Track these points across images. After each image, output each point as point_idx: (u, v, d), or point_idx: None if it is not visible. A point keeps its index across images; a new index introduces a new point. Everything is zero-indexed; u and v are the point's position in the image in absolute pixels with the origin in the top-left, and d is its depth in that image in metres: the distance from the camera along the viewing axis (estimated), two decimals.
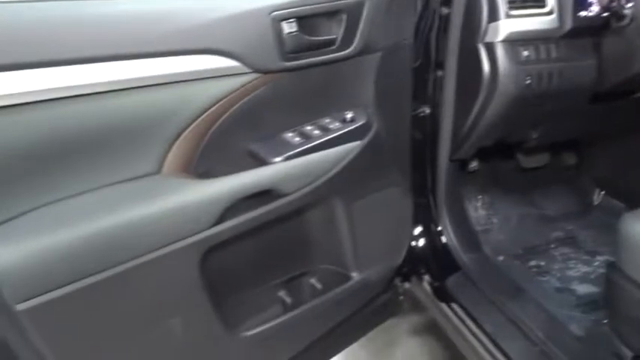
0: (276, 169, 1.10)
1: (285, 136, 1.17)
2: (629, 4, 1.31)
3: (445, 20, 1.45)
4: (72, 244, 0.88)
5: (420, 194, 1.59)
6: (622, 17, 1.34)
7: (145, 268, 0.94)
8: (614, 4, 1.35)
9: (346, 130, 1.20)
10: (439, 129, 1.57)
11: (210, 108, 1.06)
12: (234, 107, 1.09)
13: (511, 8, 1.36)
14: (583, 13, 1.38)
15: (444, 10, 1.44)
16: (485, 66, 1.39)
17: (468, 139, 1.54)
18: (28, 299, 0.84)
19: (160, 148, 1.03)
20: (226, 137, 1.10)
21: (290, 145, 1.14)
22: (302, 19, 1.12)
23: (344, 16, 1.17)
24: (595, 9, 1.38)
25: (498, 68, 1.38)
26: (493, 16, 1.37)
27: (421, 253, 1.63)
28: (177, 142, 1.05)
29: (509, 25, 1.36)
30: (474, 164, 1.81)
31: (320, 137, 1.17)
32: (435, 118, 1.56)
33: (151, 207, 0.96)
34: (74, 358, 0.94)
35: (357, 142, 1.22)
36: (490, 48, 1.39)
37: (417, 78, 1.45)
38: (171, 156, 1.05)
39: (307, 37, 1.12)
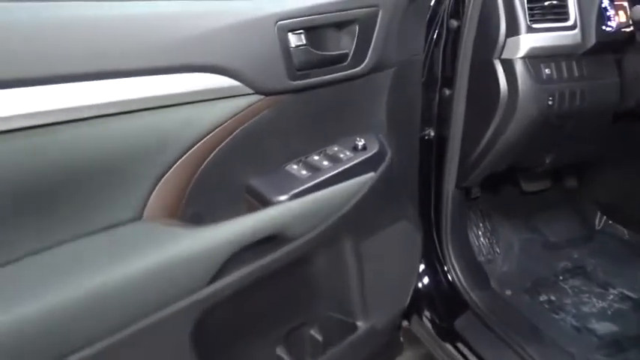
0: (281, 211, 0.92)
1: (290, 168, 0.99)
2: None
3: (455, 33, 1.30)
4: (27, 319, 0.66)
5: (422, 226, 1.43)
6: None
7: (126, 345, 0.74)
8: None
9: (358, 160, 1.03)
10: (445, 153, 1.42)
11: (203, 137, 0.86)
12: (232, 136, 0.90)
13: (533, 21, 1.22)
14: (607, 27, 1.26)
15: (454, 23, 1.29)
16: (503, 85, 1.25)
17: (478, 165, 1.39)
18: None
19: (143, 187, 0.83)
20: (222, 171, 0.91)
21: (296, 180, 0.96)
22: (310, 31, 0.94)
23: (356, 28, 1.00)
24: (618, 22, 1.26)
25: (518, 87, 1.24)
26: (512, 30, 1.23)
27: (425, 292, 1.47)
28: (164, 180, 0.85)
29: (530, 40, 1.23)
30: (476, 190, 1.66)
31: (330, 170, 0.99)
32: (441, 142, 1.41)
33: (132, 265, 0.76)
34: None
35: (370, 174, 1.05)
36: (508, 65, 1.25)
37: (421, 96, 1.29)
38: (155, 197, 0.85)
39: (317, 52, 0.94)
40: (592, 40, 1.25)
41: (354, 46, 1.00)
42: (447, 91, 1.35)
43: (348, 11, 0.98)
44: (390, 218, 1.19)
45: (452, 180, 1.45)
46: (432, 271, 1.47)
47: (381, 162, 1.07)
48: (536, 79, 1.23)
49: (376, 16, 1.02)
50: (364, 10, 1.00)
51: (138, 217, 0.84)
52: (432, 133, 1.41)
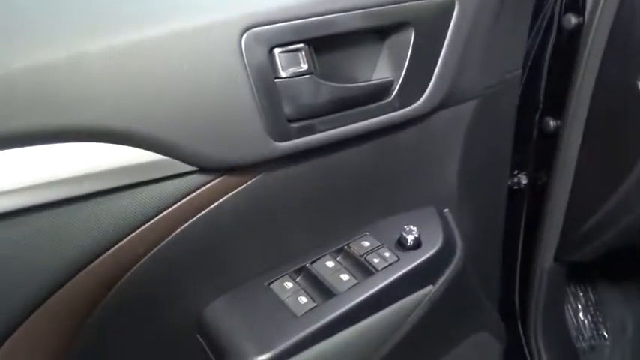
0: None
1: (279, 287, 0.56)
2: None
3: (572, 36, 0.83)
4: None
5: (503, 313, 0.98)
6: None
7: None
8: None
9: (406, 269, 0.58)
10: (543, 212, 0.95)
11: (107, 249, 0.45)
12: (165, 242, 0.47)
13: None
14: None
15: (572, 20, 0.82)
16: None
17: (595, 237, 0.92)
18: None
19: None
20: (145, 300, 0.49)
21: (288, 318, 0.53)
22: (319, 44, 0.50)
23: (411, 36, 0.54)
24: None
25: None
26: None
27: None
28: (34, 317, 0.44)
29: None
30: None
31: (353, 291, 0.55)
32: (537, 195, 0.95)
33: None
34: None
35: (427, 289, 0.60)
36: None
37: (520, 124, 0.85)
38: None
39: (331, 84, 0.50)
40: None
41: (404, 70, 0.55)
42: (552, 123, 0.88)
43: (395, 5, 0.53)
44: (456, 336, 0.74)
45: (550, 250, 0.99)
46: None
47: (445, 265, 0.62)
48: None
49: (449, 13, 0.56)
50: (427, 2, 0.55)
51: None
52: (524, 182, 0.94)
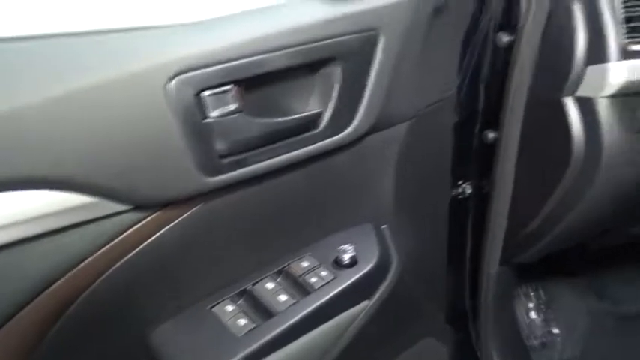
0: None
1: (221, 310, 0.59)
2: None
3: (505, 53, 0.87)
4: None
5: (453, 318, 1.03)
6: None
7: None
8: None
9: (343, 286, 0.62)
10: (487, 219, 0.99)
11: (52, 284, 0.48)
12: (108, 274, 0.50)
13: (630, 40, 0.77)
14: None
15: (504, 38, 0.86)
16: (578, 136, 0.83)
17: (537, 241, 0.97)
18: None
19: None
20: (91, 332, 0.52)
21: (228, 338, 0.56)
22: (247, 84, 0.53)
23: (338, 70, 0.58)
24: None
25: (603, 141, 0.81)
26: (597, 53, 0.79)
27: None
28: None
29: (625, 69, 0.78)
30: None
31: (291, 310, 0.59)
32: (480, 202, 0.99)
33: None
34: None
35: (363, 304, 0.63)
36: (588, 106, 0.81)
37: (458, 138, 0.90)
38: None
39: (259, 121, 0.53)
40: None
41: (333, 101, 0.59)
42: (491, 135, 0.93)
43: (321, 42, 0.56)
44: (399, 345, 0.78)
45: (495, 255, 1.03)
46: None
47: (381, 280, 0.66)
48: (631, 128, 0.80)
49: (374, 45, 0.60)
50: (351, 37, 0.59)
51: None
52: (468, 191, 0.99)
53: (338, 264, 0.64)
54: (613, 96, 0.80)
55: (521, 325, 1.28)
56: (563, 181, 0.88)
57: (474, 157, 0.96)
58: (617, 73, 0.78)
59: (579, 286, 1.42)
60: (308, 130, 0.58)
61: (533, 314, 1.36)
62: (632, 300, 1.42)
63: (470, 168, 0.97)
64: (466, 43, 0.86)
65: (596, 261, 1.43)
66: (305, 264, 0.64)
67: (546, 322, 1.37)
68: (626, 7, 0.81)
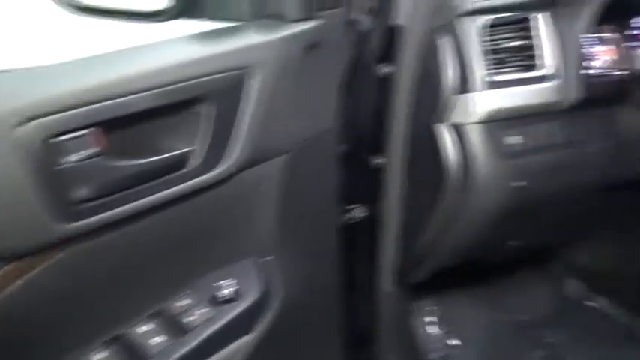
0: None
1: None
2: None
3: (385, 85, 0.91)
4: None
5: (353, 342, 1.04)
6: None
7: None
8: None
9: (223, 322, 0.61)
10: (380, 240, 1.03)
11: None
12: None
13: (492, 71, 0.84)
14: (593, 75, 0.89)
15: (384, 69, 0.90)
16: (451, 161, 0.87)
17: (426, 258, 1.01)
18: None
19: None
20: None
21: None
22: (111, 123, 0.52)
23: (207, 108, 0.59)
24: (608, 65, 0.89)
25: (472, 165, 0.86)
26: (464, 84, 0.84)
27: None
28: None
29: (489, 98, 0.85)
30: None
31: (167, 352, 0.58)
32: (372, 226, 1.02)
33: None
34: None
35: (245, 339, 0.64)
36: (460, 133, 0.86)
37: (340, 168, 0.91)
38: None
39: (119, 164, 0.53)
40: (574, 94, 0.88)
41: (203, 139, 0.60)
42: (376, 161, 0.96)
43: (188, 82, 0.57)
44: None
45: (389, 275, 1.07)
46: None
47: (262, 313, 0.67)
48: (498, 152, 0.86)
49: (244, 83, 0.61)
50: (220, 76, 0.59)
51: None
52: (359, 216, 1.02)
53: (217, 301, 0.64)
54: (481, 123, 0.86)
55: (421, 341, 1.32)
56: (440, 203, 0.93)
57: (361, 184, 0.99)
58: (482, 101, 0.84)
59: (475, 298, 1.49)
60: (177, 169, 0.58)
61: (432, 329, 1.41)
62: (524, 308, 1.50)
63: (359, 194, 1.00)
64: (346, 75, 0.90)
65: (489, 273, 1.51)
66: (182, 303, 0.63)
67: (445, 335, 1.41)
68: (492, 40, 0.87)
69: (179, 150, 0.59)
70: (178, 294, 0.64)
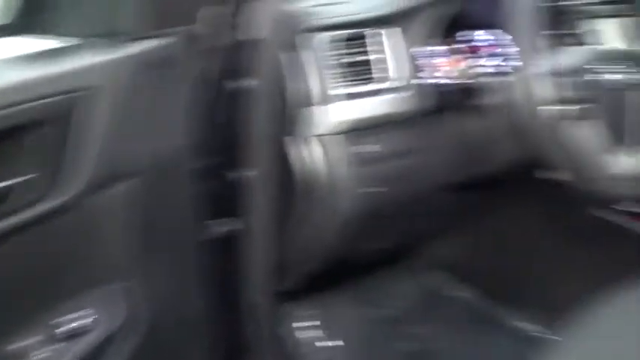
0: None
1: None
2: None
3: (240, 99, 0.93)
4: None
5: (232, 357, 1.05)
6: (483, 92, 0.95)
7: None
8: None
9: (79, 357, 0.59)
10: (244, 254, 1.05)
11: None
12: None
13: (340, 84, 0.88)
14: (438, 86, 0.97)
15: (238, 85, 0.92)
16: (302, 172, 0.92)
17: (294, 265, 1.05)
18: None
19: None
20: None
21: None
22: None
23: (47, 132, 0.56)
24: (455, 75, 0.98)
25: (320, 175, 0.91)
26: (313, 97, 0.89)
27: None
28: None
29: (337, 110, 0.89)
30: None
31: None
32: (237, 239, 1.03)
33: None
34: None
35: None
36: (308, 144, 0.91)
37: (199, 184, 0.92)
38: None
39: None
40: (419, 104, 0.95)
41: (42, 166, 0.57)
42: (235, 175, 0.98)
43: (18, 108, 0.54)
44: None
45: (260, 286, 1.08)
46: None
47: (124, 339, 0.65)
48: (347, 161, 0.91)
49: (85, 104, 0.59)
50: (56, 99, 0.57)
51: None
52: (224, 229, 1.02)
53: (72, 335, 0.61)
54: (331, 134, 0.90)
55: (303, 347, 1.34)
56: (296, 212, 0.96)
57: (223, 198, 0.99)
58: (330, 114, 0.89)
59: (350, 299, 1.54)
60: (17, 196, 0.55)
61: (312, 333, 1.43)
62: (395, 304, 1.58)
63: (221, 208, 1.01)
64: (197, 91, 0.90)
65: (362, 273, 1.57)
66: (34, 340, 0.59)
67: (326, 337, 1.45)
68: (338, 54, 0.92)
69: (13, 179, 0.55)
70: (26, 332, 0.60)
